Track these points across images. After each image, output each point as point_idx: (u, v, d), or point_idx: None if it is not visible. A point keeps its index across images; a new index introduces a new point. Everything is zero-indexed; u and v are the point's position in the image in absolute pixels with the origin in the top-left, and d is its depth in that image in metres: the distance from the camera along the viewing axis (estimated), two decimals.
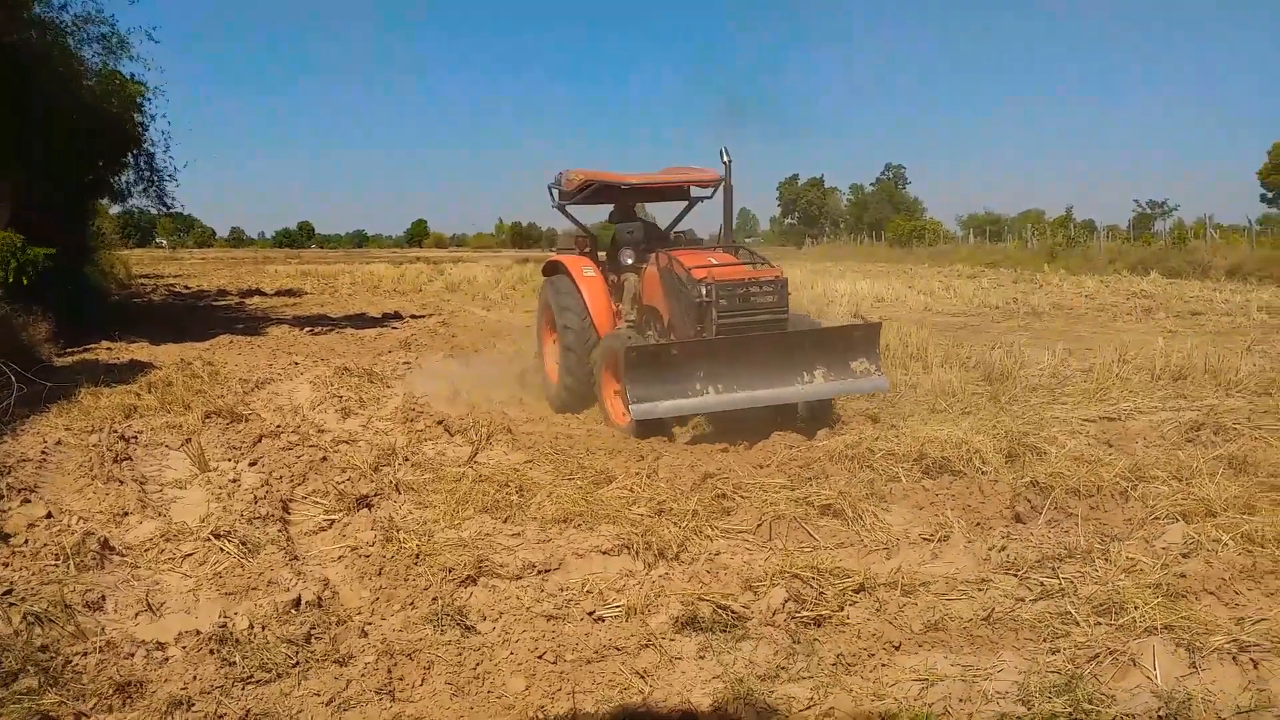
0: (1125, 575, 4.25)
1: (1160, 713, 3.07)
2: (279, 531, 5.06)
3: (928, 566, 4.56)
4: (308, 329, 16.35)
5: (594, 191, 9.09)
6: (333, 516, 5.40)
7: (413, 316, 18.84)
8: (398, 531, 4.98)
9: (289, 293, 27.51)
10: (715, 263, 7.69)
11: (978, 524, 5.09)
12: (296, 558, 4.78)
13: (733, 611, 3.94)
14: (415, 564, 4.54)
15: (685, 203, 9.84)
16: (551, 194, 9.55)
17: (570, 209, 9.67)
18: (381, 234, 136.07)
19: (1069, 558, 4.56)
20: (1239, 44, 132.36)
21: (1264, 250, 25.87)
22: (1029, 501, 5.28)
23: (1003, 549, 4.72)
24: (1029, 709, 3.18)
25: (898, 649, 3.70)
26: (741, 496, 5.52)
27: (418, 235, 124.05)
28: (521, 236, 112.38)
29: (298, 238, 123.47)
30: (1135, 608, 3.82)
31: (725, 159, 8.49)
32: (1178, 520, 4.94)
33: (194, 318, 19.60)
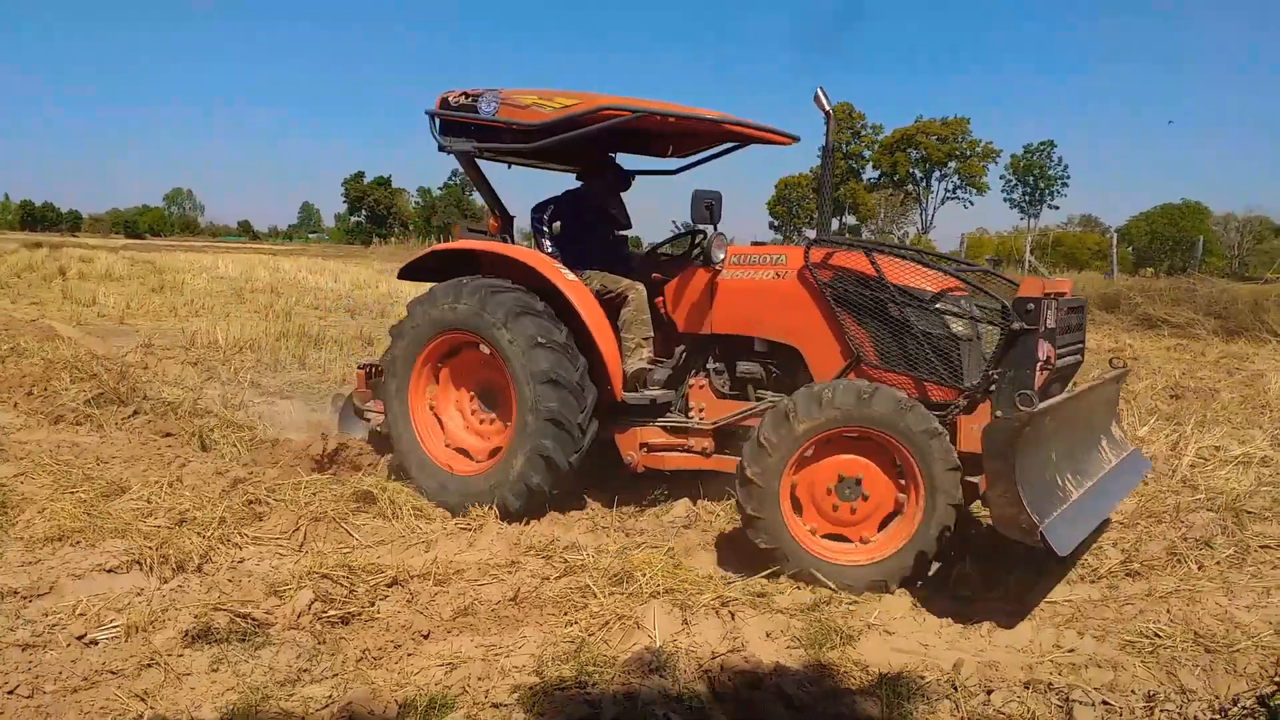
0: (636, 547, 4.71)
1: (651, 665, 3.44)
2: None
3: (463, 555, 4.68)
4: None
5: (602, 133, 5.30)
6: None
7: None
8: None
9: None
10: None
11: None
12: None
13: (253, 619, 3.72)
14: None
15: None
16: (435, 125, 5.72)
17: (483, 165, 5.95)
18: None
19: (591, 535, 4.96)
20: (763, 94, 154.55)
21: None
22: None
23: (534, 532, 5.00)
24: (541, 678, 3.39)
25: (427, 637, 3.76)
26: (276, 500, 5.24)
27: None
28: (34, 218, 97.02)
29: None
30: (643, 575, 4.26)
31: (825, 107, 5.38)
32: (684, 498, 5.61)
33: None
